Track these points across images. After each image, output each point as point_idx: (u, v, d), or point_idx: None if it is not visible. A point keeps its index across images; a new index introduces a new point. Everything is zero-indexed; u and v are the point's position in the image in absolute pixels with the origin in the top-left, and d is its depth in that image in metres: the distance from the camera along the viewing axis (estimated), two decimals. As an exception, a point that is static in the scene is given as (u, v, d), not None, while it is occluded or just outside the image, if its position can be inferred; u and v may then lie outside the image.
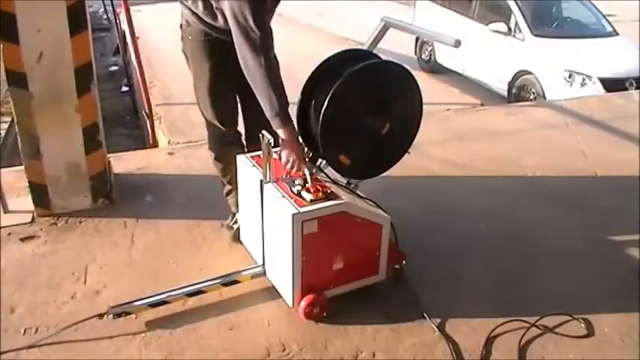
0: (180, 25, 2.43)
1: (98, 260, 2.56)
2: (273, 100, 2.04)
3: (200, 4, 2.24)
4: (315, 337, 2.16)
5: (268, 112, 2.07)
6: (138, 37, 5.77)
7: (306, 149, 2.28)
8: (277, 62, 2.20)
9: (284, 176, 2.21)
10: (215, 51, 2.32)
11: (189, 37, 2.37)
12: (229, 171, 2.56)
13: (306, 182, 2.14)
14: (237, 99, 2.49)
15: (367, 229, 2.22)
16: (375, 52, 2.35)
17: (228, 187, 2.65)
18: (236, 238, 2.61)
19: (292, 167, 2.17)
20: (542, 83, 6.90)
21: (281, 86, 2.07)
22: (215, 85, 2.38)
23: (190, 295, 2.26)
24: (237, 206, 2.60)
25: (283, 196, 2.10)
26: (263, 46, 2.02)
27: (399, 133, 2.24)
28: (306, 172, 2.16)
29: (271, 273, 2.33)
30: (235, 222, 2.65)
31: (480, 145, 3.97)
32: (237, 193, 2.58)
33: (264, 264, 2.35)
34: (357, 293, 2.29)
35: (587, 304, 2.33)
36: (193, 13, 2.29)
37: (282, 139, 2.13)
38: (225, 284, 2.32)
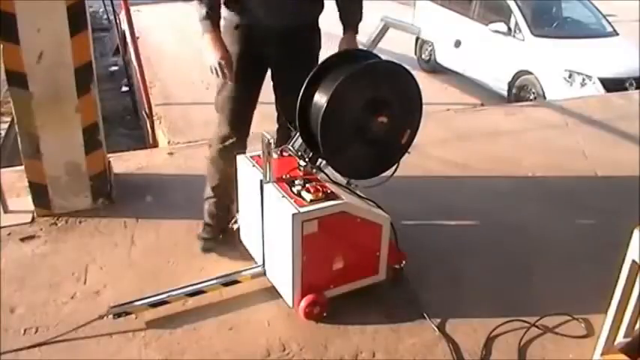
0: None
1: (98, 260, 2.56)
2: (199, 5, 2.20)
3: None
4: (315, 337, 2.16)
5: (197, 17, 2.22)
6: (138, 37, 5.77)
7: (306, 149, 2.29)
8: None
9: (284, 176, 2.21)
10: (234, 43, 2.31)
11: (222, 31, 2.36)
12: (216, 177, 2.52)
13: (307, 182, 2.14)
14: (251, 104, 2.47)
15: (367, 229, 2.22)
16: (375, 51, 2.35)
17: (209, 193, 2.58)
18: (206, 249, 2.59)
19: (217, 72, 2.23)
20: (542, 83, 6.89)
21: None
22: (244, 79, 2.34)
23: (190, 295, 2.27)
24: (208, 216, 2.59)
25: (283, 196, 2.10)
26: None
27: (399, 133, 2.24)
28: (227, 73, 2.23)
29: (271, 273, 2.33)
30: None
31: (480, 145, 3.96)
32: (214, 202, 2.56)
33: (264, 264, 2.35)
34: (357, 293, 2.29)
35: (587, 304, 2.32)
36: (224, 3, 2.28)
37: (204, 46, 2.23)
38: (225, 284, 2.32)
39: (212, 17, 2.21)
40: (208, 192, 2.59)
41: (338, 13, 2.42)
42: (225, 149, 2.46)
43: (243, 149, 2.48)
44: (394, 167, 2.29)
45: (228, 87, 2.34)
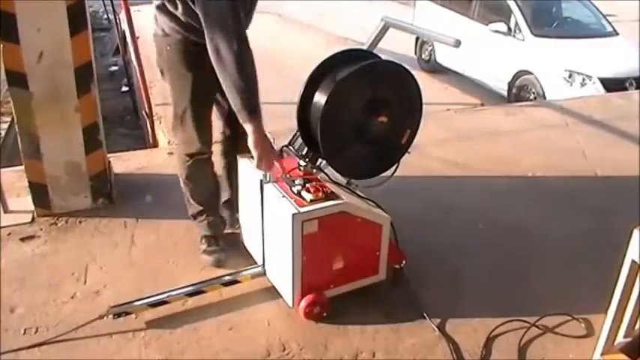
0: (154, 35, 2.30)
1: (98, 260, 2.56)
2: (242, 90, 1.95)
3: (180, 7, 2.10)
4: (315, 337, 2.16)
5: (236, 104, 1.97)
6: (138, 37, 5.77)
7: (305, 149, 2.29)
8: (252, 56, 2.01)
9: (284, 176, 2.21)
10: (199, 61, 2.14)
11: (168, 48, 2.23)
12: (200, 191, 2.51)
13: (307, 182, 2.14)
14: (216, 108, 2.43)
15: (367, 229, 2.22)
16: (375, 51, 2.35)
17: (198, 208, 2.54)
18: (218, 262, 2.48)
19: (262, 165, 2.09)
20: (542, 83, 6.90)
21: (253, 77, 1.98)
22: (198, 99, 2.28)
23: (190, 295, 2.27)
24: (208, 229, 2.54)
25: (283, 196, 2.10)
26: (236, 33, 1.94)
27: (399, 133, 2.24)
28: (278, 167, 2.12)
29: (271, 273, 2.33)
30: (216, 246, 2.55)
31: (480, 145, 3.97)
32: (208, 215, 2.53)
33: (264, 264, 2.35)
34: (357, 293, 2.29)
35: (587, 304, 2.33)
36: (173, 18, 2.16)
37: (251, 134, 2.03)
38: (225, 284, 2.32)
39: (259, 109, 2.02)
40: (197, 208, 2.55)
41: None
42: (197, 163, 2.43)
43: (212, 162, 2.49)
44: (394, 167, 2.29)
45: (189, 108, 2.28)
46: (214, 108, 2.46)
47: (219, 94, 2.29)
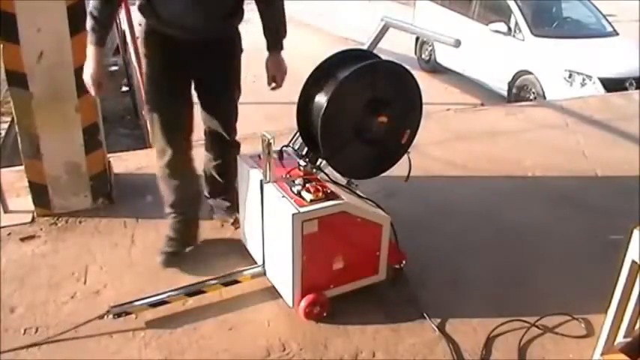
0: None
1: (98, 260, 2.56)
2: (89, 15, 2.14)
3: None
4: (315, 337, 2.16)
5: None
6: (138, 37, 5.76)
7: (305, 149, 2.29)
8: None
9: (284, 176, 2.21)
10: (162, 48, 2.27)
11: (139, 37, 2.33)
12: (173, 195, 2.47)
13: (307, 182, 2.14)
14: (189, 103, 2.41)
15: (367, 229, 2.22)
16: (375, 51, 2.35)
17: (169, 210, 2.52)
18: (167, 263, 2.45)
19: (89, 87, 2.23)
20: (542, 83, 6.89)
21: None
22: (164, 86, 2.30)
23: (190, 295, 2.27)
24: (173, 231, 2.50)
25: (283, 196, 2.10)
26: None
27: (399, 133, 2.24)
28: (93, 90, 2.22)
29: (271, 273, 2.33)
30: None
31: (480, 145, 3.97)
32: (174, 219, 2.50)
33: (264, 264, 2.35)
34: (357, 293, 2.29)
35: (587, 304, 2.33)
36: (138, 7, 2.25)
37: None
38: (225, 284, 2.32)
39: (97, 32, 2.18)
40: (167, 209, 2.54)
41: (262, 30, 2.35)
42: (166, 165, 2.41)
43: (186, 162, 2.45)
44: (409, 168, 2.29)
45: (156, 99, 2.31)
46: (196, 105, 2.45)
47: (200, 91, 2.38)
